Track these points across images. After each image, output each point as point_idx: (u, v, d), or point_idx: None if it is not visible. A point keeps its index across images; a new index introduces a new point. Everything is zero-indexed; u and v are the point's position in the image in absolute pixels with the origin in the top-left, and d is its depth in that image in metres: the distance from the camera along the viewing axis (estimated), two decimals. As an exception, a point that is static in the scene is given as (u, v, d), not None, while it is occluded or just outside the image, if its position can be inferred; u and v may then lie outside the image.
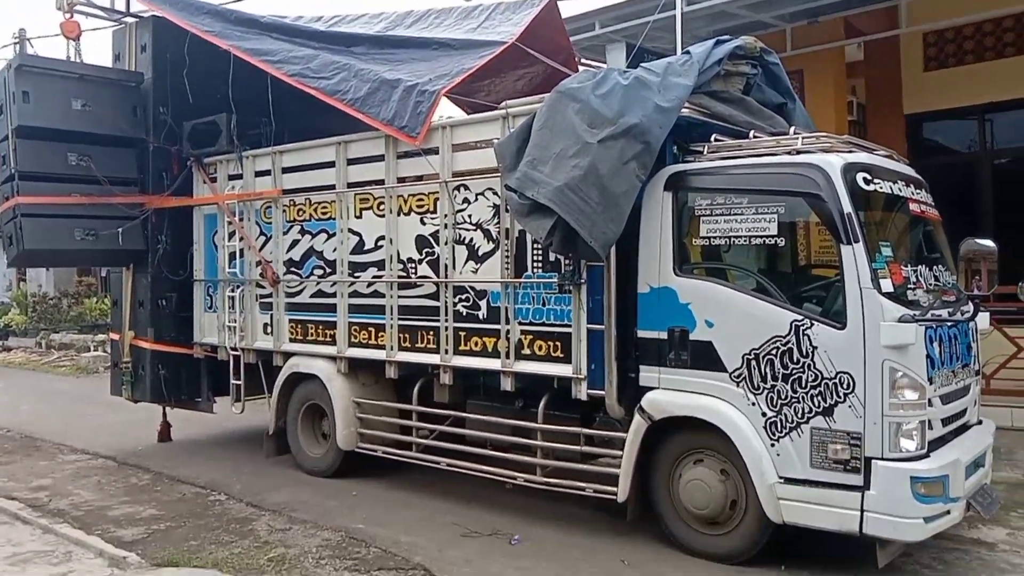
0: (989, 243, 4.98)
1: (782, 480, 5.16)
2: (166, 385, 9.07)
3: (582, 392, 5.98)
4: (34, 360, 20.12)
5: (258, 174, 8.37)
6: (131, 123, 8.80)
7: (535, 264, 6.26)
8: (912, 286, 5.19)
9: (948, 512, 5.01)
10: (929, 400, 5.03)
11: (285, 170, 8.13)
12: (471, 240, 6.62)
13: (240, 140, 8.41)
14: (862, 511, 4.89)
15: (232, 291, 8.58)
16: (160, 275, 9.05)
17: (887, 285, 4.93)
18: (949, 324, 5.35)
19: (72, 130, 8.40)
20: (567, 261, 5.96)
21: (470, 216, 6.63)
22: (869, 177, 5.17)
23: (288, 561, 5.70)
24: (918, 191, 5.80)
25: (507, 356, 6.38)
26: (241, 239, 8.49)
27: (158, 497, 7.52)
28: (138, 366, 9.17)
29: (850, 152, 5.34)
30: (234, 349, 8.56)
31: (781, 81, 6.51)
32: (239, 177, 8.54)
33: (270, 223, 8.26)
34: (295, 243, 8.06)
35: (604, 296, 5.76)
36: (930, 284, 5.47)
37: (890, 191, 5.38)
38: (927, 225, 6.02)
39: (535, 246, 6.21)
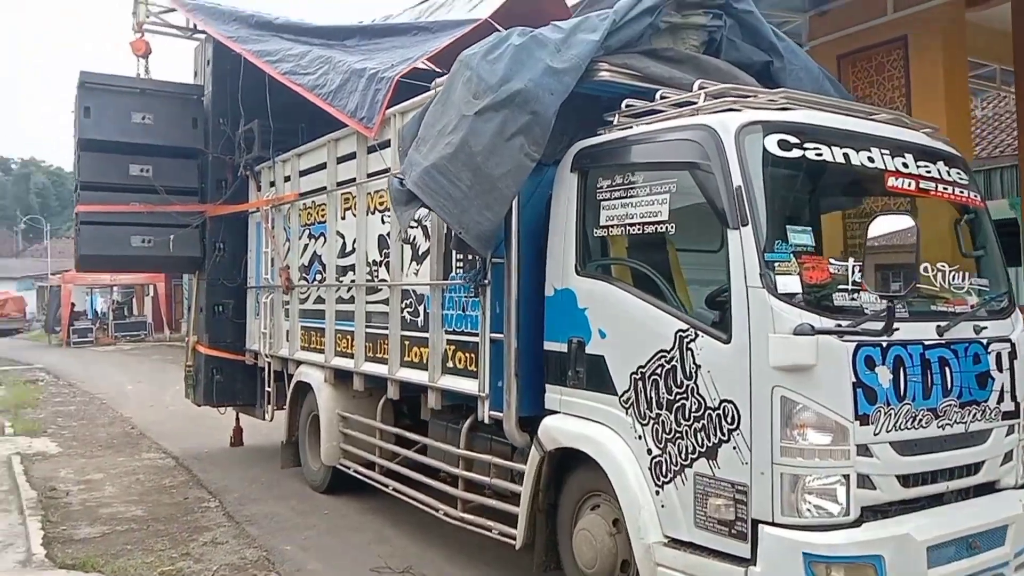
0: (903, 220, 3.43)
1: (666, 540, 3.94)
2: (218, 390, 9.22)
3: (485, 414, 5.06)
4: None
5: (286, 179, 8.26)
6: (191, 135, 9.11)
7: (458, 263, 5.45)
8: (853, 287, 3.75)
9: (892, 609, 3.53)
10: (865, 447, 3.58)
11: (302, 173, 7.94)
12: (414, 238, 5.94)
13: (283, 147, 8.35)
14: (745, 594, 3.58)
15: (265, 298, 8.55)
16: (216, 282, 9.24)
17: (789, 284, 3.58)
18: (929, 344, 3.82)
19: (133, 142, 8.82)
20: (478, 259, 5.11)
21: (415, 212, 5.95)
22: (793, 141, 3.81)
23: (173, 577, 5.38)
24: (925, 164, 4.26)
25: (434, 369, 5.61)
26: (272, 246, 8.43)
27: (160, 499, 7.56)
28: (198, 370, 9.42)
29: (778, 109, 4.01)
30: (267, 356, 8.51)
31: (762, 35, 5.14)
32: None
33: (291, 229, 8.11)
34: (305, 248, 7.83)
35: (505, 299, 4.83)
36: (913, 286, 3.94)
37: (843, 160, 3.95)
38: (946, 211, 4.45)
39: (459, 243, 5.40)
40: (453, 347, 5.46)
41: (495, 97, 4.49)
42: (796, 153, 3.82)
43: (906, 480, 3.74)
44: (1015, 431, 4.23)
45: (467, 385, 5.26)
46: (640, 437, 4.09)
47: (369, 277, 6.58)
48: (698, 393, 3.80)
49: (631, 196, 4.25)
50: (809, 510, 3.51)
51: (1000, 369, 4.13)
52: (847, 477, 3.54)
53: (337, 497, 7.29)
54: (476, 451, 5.31)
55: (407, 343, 6.02)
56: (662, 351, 3.97)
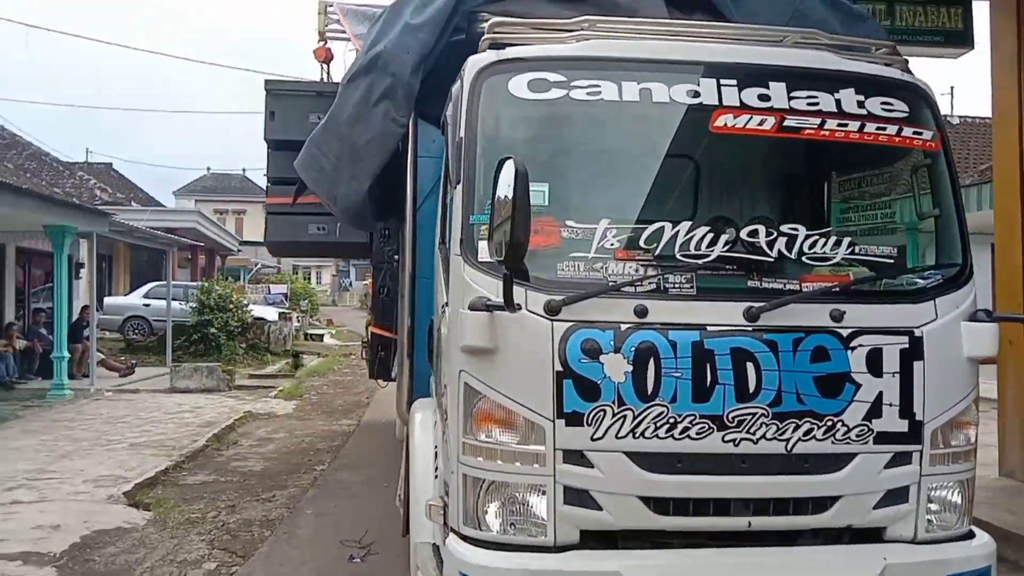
0: (508, 167, 2.54)
1: (431, 541, 3.51)
2: (380, 365, 9.88)
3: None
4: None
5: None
6: (361, 130, 9.87)
7: (410, 240, 5.29)
8: (597, 254, 2.99)
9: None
10: (579, 454, 2.86)
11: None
12: (412, 216, 5.88)
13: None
14: (439, 612, 3.08)
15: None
16: (381, 265, 9.90)
17: (493, 251, 2.98)
18: (716, 330, 2.90)
19: (312, 141, 9.83)
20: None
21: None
22: (554, 79, 3.11)
23: (192, 524, 6.04)
24: (812, 95, 3.22)
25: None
26: (405, 229, 8.85)
27: (290, 460, 8.42)
28: (370, 347, 10.22)
29: (576, 40, 3.30)
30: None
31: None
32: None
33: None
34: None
35: (400, 275, 4.63)
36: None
37: (637, 98, 3.14)
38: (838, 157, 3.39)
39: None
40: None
41: (362, 62, 4.35)
42: (555, 94, 3.14)
43: (661, 505, 2.90)
44: (912, 462, 3.01)
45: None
46: (436, 423, 3.70)
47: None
48: (442, 377, 3.34)
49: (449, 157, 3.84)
50: (497, 525, 2.91)
51: (877, 372, 2.97)
52: (542, 489, 2.86)
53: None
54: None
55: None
56: (438, 328, 3.55)
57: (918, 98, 3.35)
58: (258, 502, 6.67)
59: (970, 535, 3.14)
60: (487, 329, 2.84)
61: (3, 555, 5.04)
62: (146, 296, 20.72)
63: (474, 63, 3.26)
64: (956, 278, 3.19)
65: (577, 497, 2.87)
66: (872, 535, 3.05)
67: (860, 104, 3.25)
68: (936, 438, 3.03)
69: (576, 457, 2.86)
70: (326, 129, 4.48)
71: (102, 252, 25.01)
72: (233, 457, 8.53)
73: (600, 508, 2.87)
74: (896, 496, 3.01)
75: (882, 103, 3.27)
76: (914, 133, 3.29)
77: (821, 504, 2.97)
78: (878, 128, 3.25)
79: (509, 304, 2.72)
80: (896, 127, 3.27)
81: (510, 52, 3.24)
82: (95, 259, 16.09)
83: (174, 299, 18.65)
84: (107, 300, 21.52)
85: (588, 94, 3.14)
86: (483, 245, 2.99)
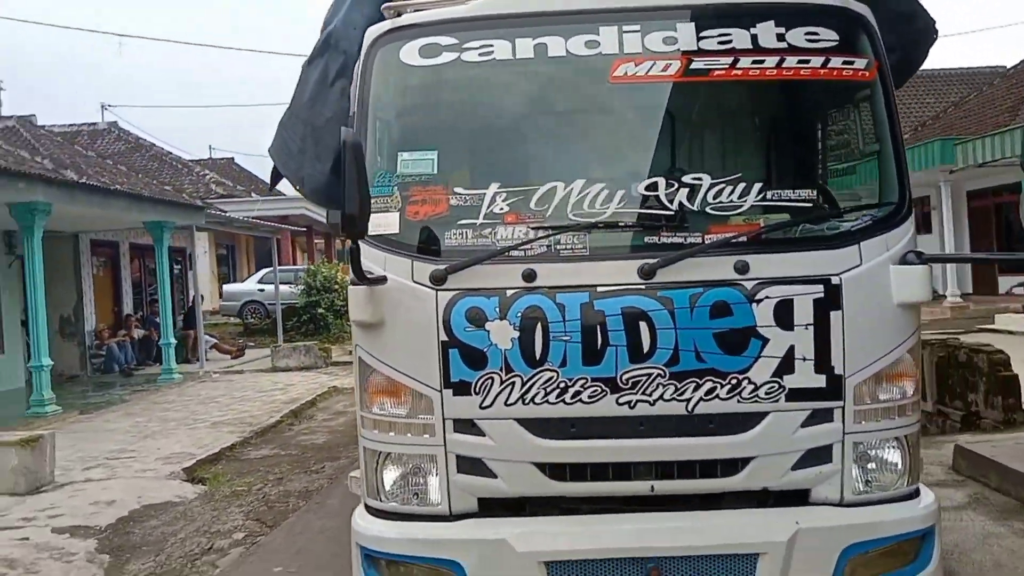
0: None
1: (377, 511, 3.58)
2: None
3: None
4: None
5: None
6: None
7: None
8: (486, 220, 2.92)
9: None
10: (470, 423, 2.83)
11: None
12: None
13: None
14: (358, 583, 3.13)
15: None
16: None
17: (382, 223, 2.96)
18: (607, 291, 2.79)
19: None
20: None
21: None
22: (445, 43, 3.05)
23: (237, 496, 6.37)
24: (724, 33, 3.02)
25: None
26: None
27: (352, 432, 8.61)
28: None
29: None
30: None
31: None
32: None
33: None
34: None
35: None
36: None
37: (531, 55, 3.03)
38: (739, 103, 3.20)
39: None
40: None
41: (318, 42, 4.39)
42: (446, 58, 3.07)
43: (557, 471, 2.83)
44: (834, 419, 2.80)
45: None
46: (382, 398, 3.73)
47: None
48: (363, 352, 3.37)
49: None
50: (395, 496, 2.94)
51: (787, 325, 2.77)
52: (434, 459, 2.85)
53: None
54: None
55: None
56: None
57: (851, 24, 3.07)
58: (305, 474, 6.96)
59: (915, 495, 2.90)
60: (369, 303, 2.85)
61: (56, 528, 5.49)
62: (260, 282, 21.83)
63: (369, 33, 3.23)
64: (890, 218, 2.92)
65: (471, 465, 2.85)
66: (799, 498, 2.88)
67: (780, 37, 3.01)
68: (861, 392, 2.81)
69: (466, 426, 2.83)
70: (291, 112, 4.54)
71: (226, 243, 26.61)
72: (302, 431, 8.92)
73: (495, 476, 2.84)
74: (817, 456, 2.81)
75: (807, 33, 3.02)
76: (844, 63, 3.02)
77: (731, 466, 2.82)
78: (800, 61, 3.00)
79: (360, 277, 2.71)
80: (822, 58, 3.01)
81: (404, 19, 3.19)
82: (199, 249, 17.05)
83: (287, 283, 19.59)
84: (225, 287, 22.88)
85: (480, 55, 3.05)
86: (374, 219, 2.97)
